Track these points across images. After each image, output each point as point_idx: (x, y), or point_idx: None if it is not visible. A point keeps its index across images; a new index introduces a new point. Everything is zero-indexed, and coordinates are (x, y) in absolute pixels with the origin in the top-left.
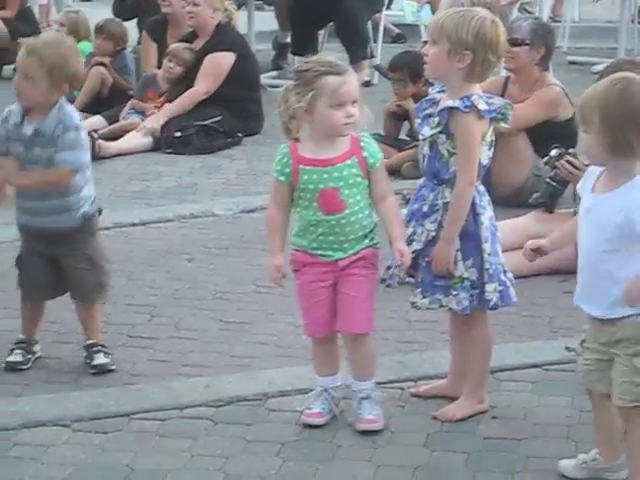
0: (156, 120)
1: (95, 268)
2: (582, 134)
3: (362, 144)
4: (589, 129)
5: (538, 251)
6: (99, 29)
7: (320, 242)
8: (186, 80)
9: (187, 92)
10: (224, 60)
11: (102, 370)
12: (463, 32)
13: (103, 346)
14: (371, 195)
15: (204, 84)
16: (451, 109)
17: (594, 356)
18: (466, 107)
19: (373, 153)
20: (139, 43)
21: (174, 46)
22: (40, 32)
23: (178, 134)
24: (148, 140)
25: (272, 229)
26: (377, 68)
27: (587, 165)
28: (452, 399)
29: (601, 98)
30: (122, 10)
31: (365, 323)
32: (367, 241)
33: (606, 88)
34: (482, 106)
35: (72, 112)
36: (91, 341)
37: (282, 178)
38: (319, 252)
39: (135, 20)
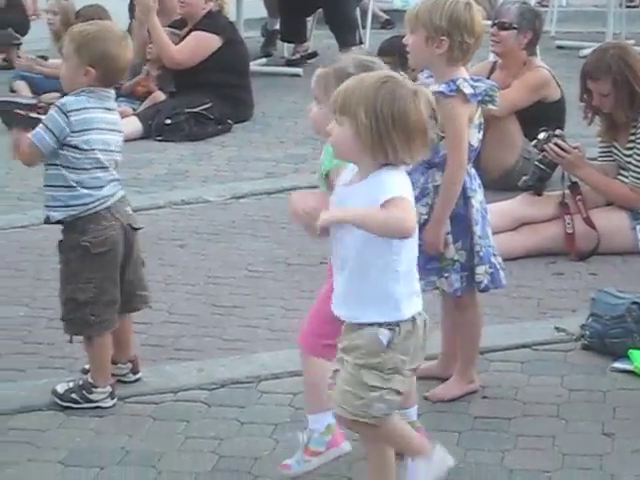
0: None
1: (65, 293)
2: (336, 126)
3: None
4: (346, 122)
5: None
6: (77, 15)
7: None
8: None
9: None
10: (208, 41)
11: (52, 395)
12: (437, 18)
13: (83, 387)
14: None
15: (179, 54)
16: (435, 93)
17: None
18: (451, 91)
19: (322, 160)
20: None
21: None
22: (29, 21)
23: (168, 121)
24: (138, 128)
25: None
26: None
27: (575, 147)
28: (443, 380)
29: (371, 96)
30: None
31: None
32: None
33: (375, 86)
34: (467, 89)
35: (73, 98)
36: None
37: None
38: None
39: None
